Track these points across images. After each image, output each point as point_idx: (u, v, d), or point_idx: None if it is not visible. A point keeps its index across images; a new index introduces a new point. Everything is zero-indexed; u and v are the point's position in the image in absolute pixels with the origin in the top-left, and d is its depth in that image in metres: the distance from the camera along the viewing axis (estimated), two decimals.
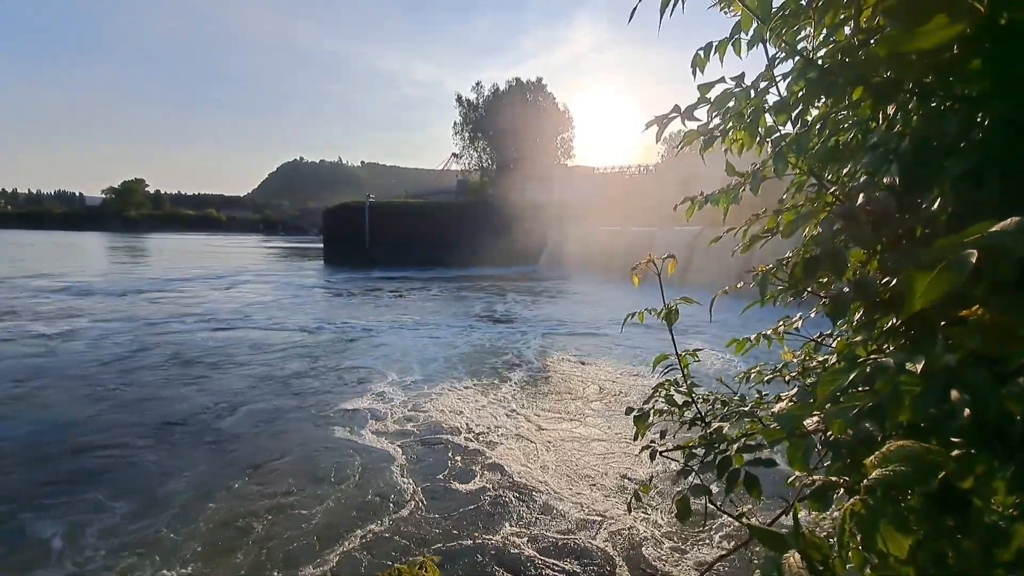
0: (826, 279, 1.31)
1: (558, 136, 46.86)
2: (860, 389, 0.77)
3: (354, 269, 31.05)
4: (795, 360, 1.65)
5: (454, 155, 53.28)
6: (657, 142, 1.45)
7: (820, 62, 1.18)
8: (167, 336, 11.85)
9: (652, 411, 1.48)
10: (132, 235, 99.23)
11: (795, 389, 1.34)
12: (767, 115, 1.37)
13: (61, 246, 53.60)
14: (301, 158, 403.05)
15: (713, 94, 1.36)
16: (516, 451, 5.96)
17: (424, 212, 36.38)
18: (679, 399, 1.47)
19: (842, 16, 1.12)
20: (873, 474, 0.62)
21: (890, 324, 0.98)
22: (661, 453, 1.45)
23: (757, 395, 1.53)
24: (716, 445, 1.27)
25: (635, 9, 1.36)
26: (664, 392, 1.48)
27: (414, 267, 32.16)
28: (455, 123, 49.30)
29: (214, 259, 40.53)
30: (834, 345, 1.50)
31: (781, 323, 1.67)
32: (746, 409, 1.35)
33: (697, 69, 1.39)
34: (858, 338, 1.05)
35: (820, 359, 1.51)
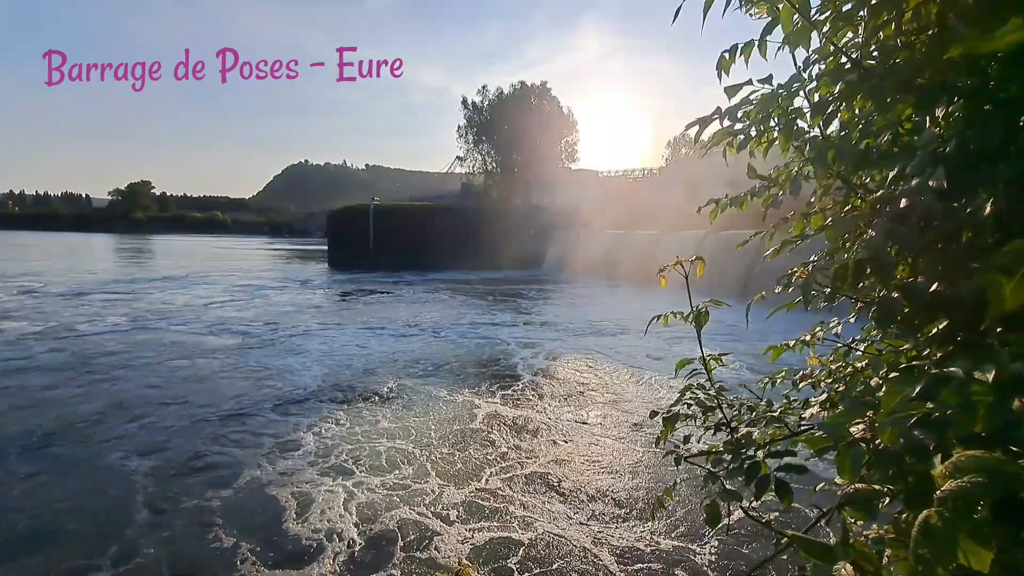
0: (863, 284, 1.24)
1: (562, 140, 47.00)
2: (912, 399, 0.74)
3: (358, 271, 31.17)
4: (821, 365, 1.62)
5: (458, 158, 53.28)
6: (695, 144, 1.41)
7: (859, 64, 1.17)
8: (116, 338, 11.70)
9: (679, 415, 1.47)
10: (137, 236, 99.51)
11: (824, 395, 1.33)
12: (799, 119, 1.35)
13: (62, 247, 53.66)
14: (306, 161, 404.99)
15: (740, 96, 1.35)
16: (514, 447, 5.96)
17: (428, 215, 36.47)
18: (706, 402, 1.47)
19: (885, 17, 1.11)
20: (946, 485, 0.60)
21: (935, 330, 0.96)
22: (686, 459, 1.43)
23: (785, 400, 1.51)
24: (743, 450, 1.25)
25: (679, 9, 1.35)
26: (691, 396, 1.47)
27: (418, 270, 32.21)
28: (459, 126, 49.38)
29: (217, 260, 40.68)
30: (863, 350, 1.48)
31: (819, 328, 1.65)
32: (775, 414, 1.34)
33: (722, 72, 1.38)
34: (905, 345, 1.03)
35: (851, 365, 1.49)
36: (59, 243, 62.36)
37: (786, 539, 1.06)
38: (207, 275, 27.68)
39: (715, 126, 1.36)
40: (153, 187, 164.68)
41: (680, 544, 4.24)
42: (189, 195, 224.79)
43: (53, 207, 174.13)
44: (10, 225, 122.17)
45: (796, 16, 1.16)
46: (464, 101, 48.25)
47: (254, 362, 9.82)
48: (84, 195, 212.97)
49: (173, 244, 71.19)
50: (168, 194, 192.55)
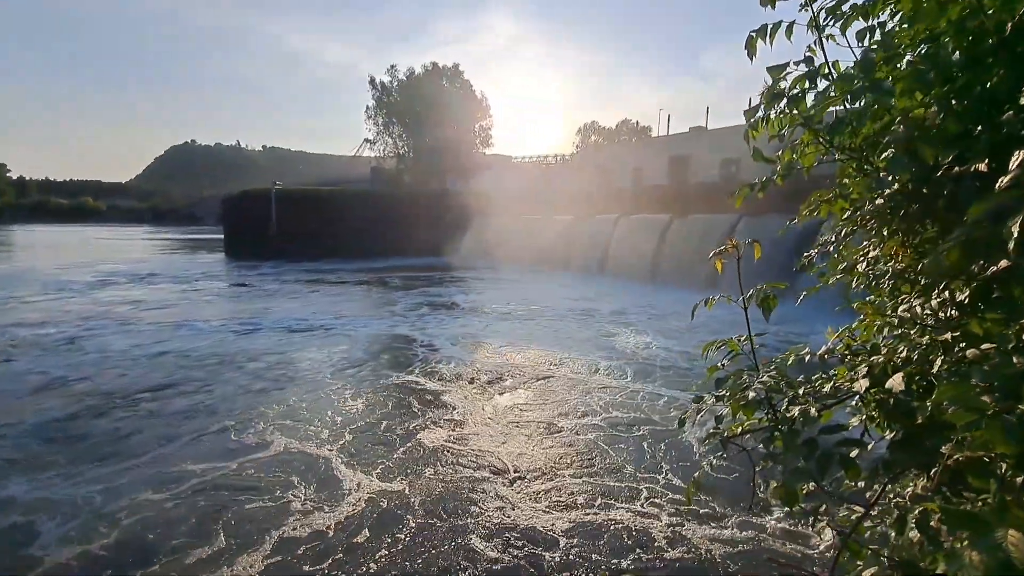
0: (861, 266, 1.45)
1: (476, 124, 46.64)
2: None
3: (258, 261, 29.30)
4: (839, 339, 1.57)
5: (367, 141, 51.57)
6: (749, 123, 1.45)
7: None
8: None
9: (712, 397, 1.42)
10: None
11: (865, 368, 1.23)
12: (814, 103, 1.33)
13: None
14: (193, 140, 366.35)
15: (790, 77, 1.32)
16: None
17: (336, 200, 34.41)
18: (750, 383, 1.31)
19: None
20: None
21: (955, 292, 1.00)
22: (730, 439, 1.38)
23: (823, 376, 1.42)
24: (785, 426, 1.20)
25: None
26: (733, 379, 1.37)
27: (326, 259, 30.62)
28: (368, 107, 47.11)
29: (94, 253, 36.92)
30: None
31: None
32: (823, 390, 1.29)
33: (749, 51, 1.39)
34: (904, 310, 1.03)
35: (882, 333, 1.37)
36: None
37: (918, 511, 1.00)
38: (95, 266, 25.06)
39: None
40: (9, 171, 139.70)
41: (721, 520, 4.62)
42: (53, 179, 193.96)
43: None
44: None
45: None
46: (372, 81, 46.40)
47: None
48: None
49: (38, 235, 63.18)
50: (28, 178, 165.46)
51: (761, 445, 1.30)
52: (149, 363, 9.53)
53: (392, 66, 46.33)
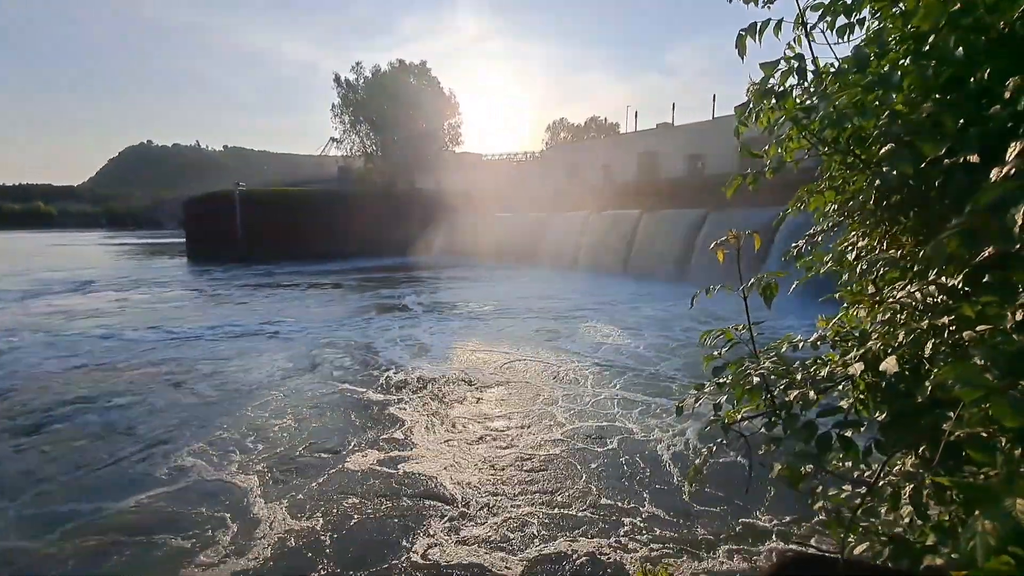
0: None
1: (445, 122, 46.12)
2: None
3: (224, 265, 28.31)
4: (826, 326, 1.62)
5: (333, 140, 49.77)
6: (739, 119, 1.52)
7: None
8: None
9: (714, 383, 1.45)
10: None
11: (856, 352, 1.27)
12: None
13: None
14: (149, 141, 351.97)
15: (778, 73, 1.39)
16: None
17: (304, 201, 33.90)
18: (753, 370, 1.36)
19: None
20: None
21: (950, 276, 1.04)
22: (730, 426, 1.41)
23: (818, 362, 1.46)
24: (783, 411, 1.24)
25: None
26: (736, 366, 1.41)
27: (294, 260, 30.01)
28: (334, 105, 45.88)
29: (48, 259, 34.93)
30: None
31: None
32: (817, 375, 1.32)
33: (739, 50, 1.44)
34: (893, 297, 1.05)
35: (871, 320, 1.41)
36: None
37: (911, 488, 1.08)
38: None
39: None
40: None
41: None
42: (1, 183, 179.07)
43: None
44: None
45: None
46: (337, 78, 45.04)
47: None
48: None
49: None
50: None
51: (759, 430, 1.35)
52: (65, 379, 8.81)
53: (358, 63, 45.27)
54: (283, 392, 8.13)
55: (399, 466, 5.67)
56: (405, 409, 7.32)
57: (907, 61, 1.18)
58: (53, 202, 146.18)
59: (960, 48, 0.99)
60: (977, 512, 0.71)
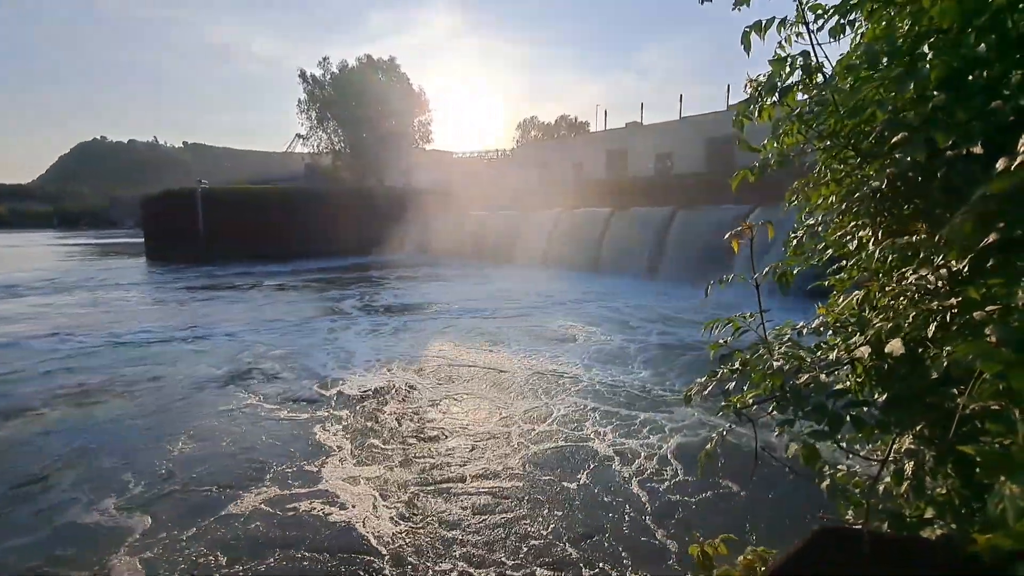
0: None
1: (415, 119, 45.72)
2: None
3: (186, 266, 27.22)
4: (827, 314, 1.64)
5: (299, 136, 48.82)
6: (743, 114, 1.56)
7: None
8: None
9: (725, 369, 1.49)
10: None
11: (862, 337, 1.32)
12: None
13: None
14: (103, 137, 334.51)
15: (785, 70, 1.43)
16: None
17: (269, 199, 32.97)
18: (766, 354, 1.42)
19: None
20: None
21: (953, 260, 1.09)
22: (741, 410, 1.43)
23: (825, 345, 1.53)
24: (793, 393, 1.27)
25: None
26: (752, 352, 1.47)
27: (259, 260, 29.06)
28: (300, 101, 45.08)
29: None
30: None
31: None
32: (832, 359, 1.36)
33: (744, 46, 1.47)
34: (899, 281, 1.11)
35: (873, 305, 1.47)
36: None
37: (930, 458, 1.15)
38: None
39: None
40: None
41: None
42: None
43: None
44: None
45: None
46: (303, 74, 44.34)
47: None
48: None
49: None
50: None
51: (761, 417, 1.39)
52: None
53: (324, 58, 44.44)
54: (197, 407, 7.21)
55: (325, 506, 4.73)
56: (329, 430, 6.38)
57: (913, 59, 1.23)
58: (4, 202, 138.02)
59: (982, 45, 1.05)
60: (1003, 478, 0.75)
